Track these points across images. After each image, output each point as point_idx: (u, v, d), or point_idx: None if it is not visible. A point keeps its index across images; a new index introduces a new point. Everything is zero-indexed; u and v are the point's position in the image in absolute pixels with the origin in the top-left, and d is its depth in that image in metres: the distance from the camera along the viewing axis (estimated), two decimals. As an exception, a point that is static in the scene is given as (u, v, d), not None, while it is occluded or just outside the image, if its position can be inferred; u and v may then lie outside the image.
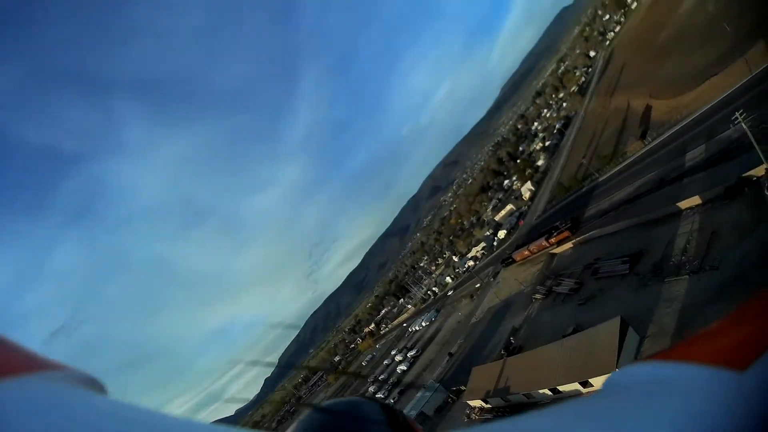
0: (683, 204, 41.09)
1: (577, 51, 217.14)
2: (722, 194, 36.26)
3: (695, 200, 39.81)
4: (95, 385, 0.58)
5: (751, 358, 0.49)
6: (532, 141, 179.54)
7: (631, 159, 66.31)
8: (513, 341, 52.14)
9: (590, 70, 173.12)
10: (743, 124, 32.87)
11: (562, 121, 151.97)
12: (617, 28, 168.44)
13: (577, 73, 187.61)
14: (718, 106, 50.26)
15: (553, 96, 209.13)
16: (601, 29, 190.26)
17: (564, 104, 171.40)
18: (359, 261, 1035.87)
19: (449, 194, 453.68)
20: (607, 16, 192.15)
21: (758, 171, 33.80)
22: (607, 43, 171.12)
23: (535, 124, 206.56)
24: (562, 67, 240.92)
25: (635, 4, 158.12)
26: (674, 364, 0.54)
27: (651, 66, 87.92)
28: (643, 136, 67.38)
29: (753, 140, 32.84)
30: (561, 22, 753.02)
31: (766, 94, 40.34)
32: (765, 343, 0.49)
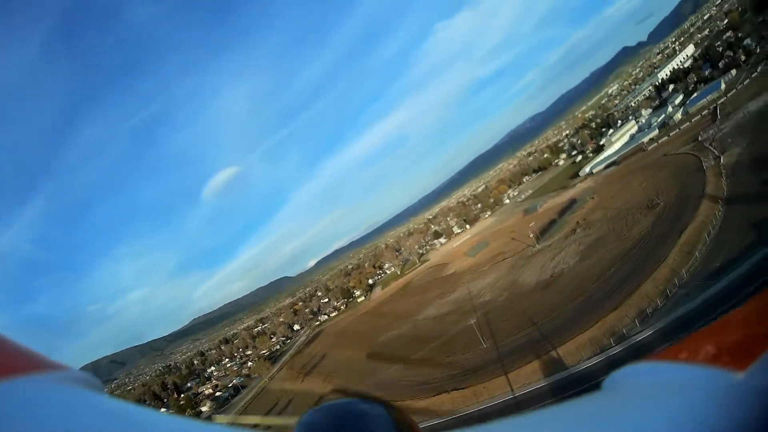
0: None
1: (281, 319, 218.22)
2: None
3: None
4: (95, 385, 0.57)
5: (751, 358, 0.48)
6: (204, 383, 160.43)
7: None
8: None
9: (289, 341, 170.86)
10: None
11: (241, 379, 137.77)
12: (333, 314, 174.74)
13: (273, 339, 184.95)
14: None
15: (240, 350, 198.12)
16: (316, 309, 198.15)
17: (249, 363, 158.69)
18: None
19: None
20: (327, 300, 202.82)
21: None
22: (318, 323, 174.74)
23: (213, 368, 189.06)
24: (260, 327, 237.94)
25: (362, 298, 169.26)
26: (674, 364, 0.54)
27: (367, 363, 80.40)
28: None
29: None
30: (276, 287, 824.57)
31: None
32: (765, 343, 0.49)
